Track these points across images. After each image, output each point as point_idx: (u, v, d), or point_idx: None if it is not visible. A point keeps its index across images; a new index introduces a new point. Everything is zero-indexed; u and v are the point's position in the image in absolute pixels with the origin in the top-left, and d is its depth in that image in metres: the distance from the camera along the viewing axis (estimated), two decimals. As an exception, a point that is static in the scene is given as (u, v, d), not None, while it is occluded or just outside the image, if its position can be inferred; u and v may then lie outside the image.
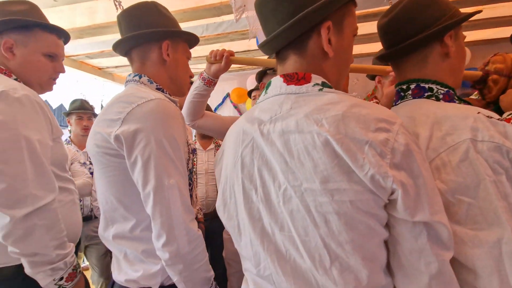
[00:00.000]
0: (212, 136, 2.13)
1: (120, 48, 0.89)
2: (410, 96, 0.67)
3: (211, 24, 2.46)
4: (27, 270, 0.80)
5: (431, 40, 0.65)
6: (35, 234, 0.78)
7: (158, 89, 0.86)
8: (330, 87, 0.55)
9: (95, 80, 3.99)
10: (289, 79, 0.56)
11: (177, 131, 0.77)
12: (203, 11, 2.16)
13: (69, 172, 1.13)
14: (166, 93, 0.88)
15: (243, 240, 0.58)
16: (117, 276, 0.80)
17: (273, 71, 1.28)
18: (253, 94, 1.92)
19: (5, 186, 0.75)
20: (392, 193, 0.45)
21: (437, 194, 0.48)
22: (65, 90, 3.64)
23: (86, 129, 2.10)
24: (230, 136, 0.63)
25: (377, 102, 1.38)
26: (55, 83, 1.11)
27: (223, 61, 1.07)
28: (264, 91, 0.61)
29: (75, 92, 3.79)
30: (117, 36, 2.61)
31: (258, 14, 0.60)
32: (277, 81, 0.59)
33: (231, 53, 1.08)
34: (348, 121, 0.47)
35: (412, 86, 0.67)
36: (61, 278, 0.84)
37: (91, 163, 2.10)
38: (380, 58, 0.75)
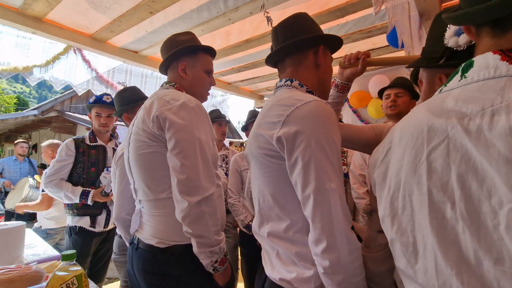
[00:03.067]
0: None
1: (277, 56, 0.94)
2: None
3: (333, 27, 2.40)
4: (195, 249, 0.95)
5: None
6: (203, 219, 0.92)
7: (308, 91, 0.87)
8: None
9: (225, 93, 4.63)
10: None
11: (336, 132, 0.74)
12: (327, 14, 2.14)
13: (218, 170, 1.30)
14: (315, 95, 0.88)
15: (420, 263, 0.47)
16: (271, 273, 0.81)
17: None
18: (386, 92, 1.71)
19: (185, 177, 0.92)
20: None
21: None
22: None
23: (224, 135, 2.43)
24: (403, 133, 0.53)
25: None
26: (209, 95, 1.31)
27: (360, 64, 0.98)
28: (459, 75, 0.48)
29: (208, 104, 4.51)
30: (246, 53, 2.91)
31: None
32: (488, 60, 0.44)
33: (367, 54, 0.99)
34: None
35: None
36: (216, 261, 0.96)
37: (226, 165, 2.39)
38: None
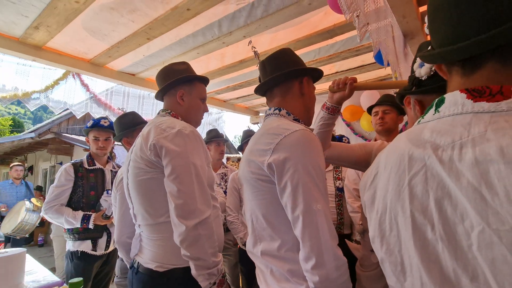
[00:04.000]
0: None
1: (264, 87, 1.02)
2: None
3: (323, 47, 2.51)
4: (193, 272, 0.97)
5: None
6: (200, 242, 0.95)
7: (295, 119, 0.96)
8: None
9: (220, 111, 4.72)
10: (477, 94, 0.47)
11: (321, 158, 0.82)
12: (316, 36, 2.25)
13: (214, 192, 1.34)
14: (301, 123, 0.96)
15: (408, 280, 0.50)
16: None
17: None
18: (374, 110, 1.79)
19: (182, 202, 0.96)
20: None
21: None
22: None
23: (222, 154, 2.47)
24: (388, 160, 0.58)
25: None
26: (202, 118, 1.37)
27: (347, 89, 1.07)
28: (434, 109, 0.54)
29: (204, 122, 4.57)
30: (241, 73, 3.02)
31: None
32: (456, 97, 0.50)
33: (354, 80, 1.08)
34: None
35: None
36: (215, 283, 0.98)
37: (225, 183, 2.42)
38: None
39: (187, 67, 1.29)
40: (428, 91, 0.71)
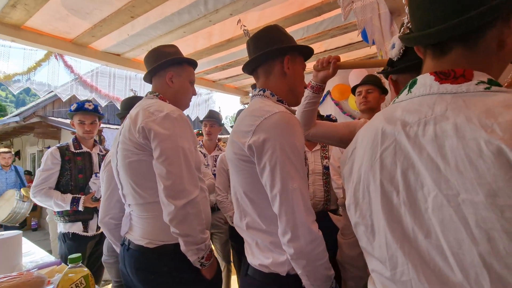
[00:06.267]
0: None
1: (248, 67, 1.02)
2: None
3: (311, 25, 2.48)
4: (182, 248, 1.03)
5: None
6: (188, 219, 1.00)
7: (278, 100, 0.96)
8: (499, 85, 0.48)
9: (210, 91, 4.67)
10: (443, 77, 0.51)
11: (298, 139, 0.85)
12: (304, 13, 2.22)
13: (202, 174, 1.37)
14: (285, 103, 0.97)
15: (376, 240, 0.56)
16: (252, 260, 0.92)
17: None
18: (358, 89, 1.82)
19: (171, 183, 1.00)
20: None
21: None
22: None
23: (209, 135, 2.49)
24: (364, 136, 0.62)
25: None
26: (190, 101, 1.38)
27: (331, 67, 1.08)
28: (407, 90, 0.57)
29: (193, 102, 4.53)
30: (229, 52, 2.98)
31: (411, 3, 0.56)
32: (426, 79, 0.54)
33: (338, 58, 1.09)
34: None
35: None
36: (203, 257, 1.04)
37: (214, 166, 2.46)
38: None
39: (177, 50, 1.28)
40: (398, 70, 0.75)
